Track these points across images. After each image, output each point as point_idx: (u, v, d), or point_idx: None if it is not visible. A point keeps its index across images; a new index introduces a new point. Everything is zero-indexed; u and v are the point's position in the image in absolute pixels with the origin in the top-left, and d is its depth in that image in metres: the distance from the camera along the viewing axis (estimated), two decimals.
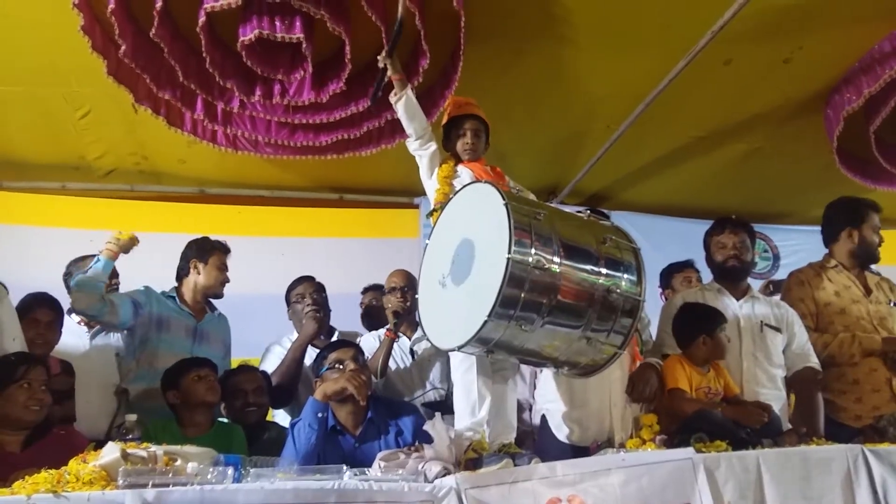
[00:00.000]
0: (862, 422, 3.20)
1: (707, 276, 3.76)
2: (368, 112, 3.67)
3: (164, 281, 3.53)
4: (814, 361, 3.34)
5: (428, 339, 2.44)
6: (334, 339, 3.61)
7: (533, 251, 2.15)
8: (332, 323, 3.72)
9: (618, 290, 2.29)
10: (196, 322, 3.39)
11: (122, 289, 3.60)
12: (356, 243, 4.89)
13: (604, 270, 2.29)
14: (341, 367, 2.79)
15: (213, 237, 3.60)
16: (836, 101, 4.03)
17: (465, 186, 2.61)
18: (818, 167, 4.60)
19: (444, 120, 3.05)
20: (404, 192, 4.99)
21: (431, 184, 2.92)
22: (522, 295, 2.12)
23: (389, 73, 2.96)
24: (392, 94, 2.98)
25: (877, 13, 3.53)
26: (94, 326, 3.46)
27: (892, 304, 3.52)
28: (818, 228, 3.94)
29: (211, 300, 3.54)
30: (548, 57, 3.65)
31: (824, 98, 4.11)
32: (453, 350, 2.25)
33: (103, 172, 4.45)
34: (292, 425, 2.65)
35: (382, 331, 3.52)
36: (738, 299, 3.39)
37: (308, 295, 3.62)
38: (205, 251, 3.46)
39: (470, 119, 2.97)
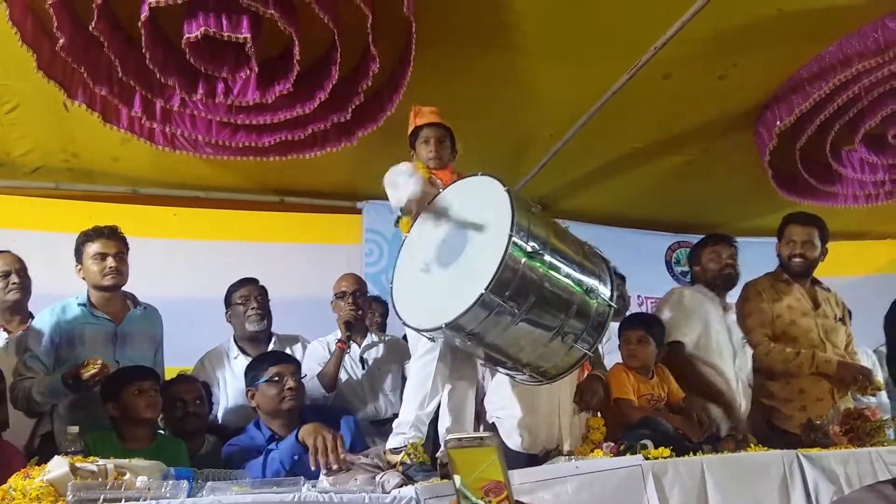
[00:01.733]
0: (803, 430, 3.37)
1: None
2: (314, 114, 3.62)
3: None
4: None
5: (406, 325, 2.41)
6: (272, 345, 3.57)
7: (529, 241, 2.18)
8: (271, 329, 3.66)
9: (594, 298, 2.34)
10: (115, 325, 3.17)
11: (47, 293, 3.47)
12: (297, 248, 4.83)
13: (584, 277, 2.34)
14: (282, 381, 2.78)
15: (144, 239, 3.45)
16: (767, 117, 4.23)
17: (457, 181, 2.63)
18: (749, 181, 4.82)
19: (410, 130, 3.04)
20: (347, 197, 4.96)
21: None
22: (514, 280, 2.13)
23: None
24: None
25: (806, 36, 3.72)
26: (11, 332, 3.30)
27: (836, 320, 3.73)
28: (748, 240, 4.13)
29: (133, 295, 3.34)
30: (496, 64, 3.69)
31: (757, 114, 4.31)
32: (437, 329, 2.23)
33: (29, 170, 4.25)
34: (267, 451, 2.59)
35: (330, 338, 3.50)
36: (724, 310, 3.64)
37: (253, 298, 3.56)
38: (78, 250, 3.19)
39: (433, 127, 2.97)
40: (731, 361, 3.50)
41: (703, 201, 5.39)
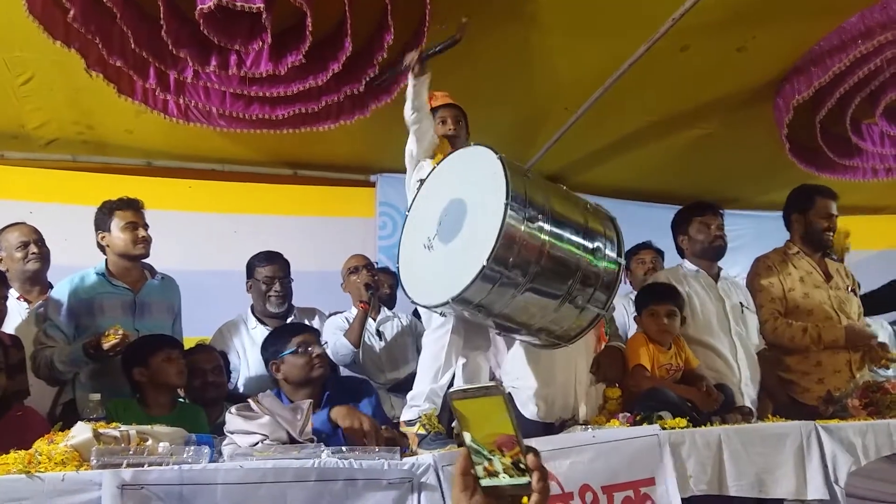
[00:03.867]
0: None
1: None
2: (327, 86, 3.62)
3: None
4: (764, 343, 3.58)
5: (415, 303, 2.44)
6: (291, 318, 3.61)
7: (527, 208, 2.18)
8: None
9: (601, 258, 2.35)
10: (133, 294, 3.22)
11: (63, 264, 3.51)
12: (311, 221, 4.84)
13: (588, 239, 2.34)
14: (308, 350, 2.81)
15: (159, 211, 3.47)
16: (786, 90, 4.19)
17: (448, 154, 2.64)
18: (767, 154, 4.78)
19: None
20: (361, 170, 4.97)
21: (425, 166, 2.88)
22: (514, 248, 2.14)
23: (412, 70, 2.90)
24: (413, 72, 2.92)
25: (826, 8, 3.68)
26: (32, 302, 3.36)
27: (849, 291, 3.72)
28: (764, 214, 4.13)
29: (150, 265, 3.38)
30: (512, 38, 3.67)
31: (775, 88, 4.27)
32: (444, 304, 2.24)
33: (44, 142, 4.27)
34: None
35: (347, 313, 3.58)
36: (714, 278, 3.60)
37: (278, 280, 3.59)
38: (103, 218, 3.23)
39: (449, 108, 3.02)
40: (726, 334, 3.46)
41: (721, 175, 5.35)
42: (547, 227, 2.22)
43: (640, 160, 5.07)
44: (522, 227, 2.15)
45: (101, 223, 3.25)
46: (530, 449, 0.99)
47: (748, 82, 4.27)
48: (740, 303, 3.56)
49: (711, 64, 4.04)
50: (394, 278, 4.06)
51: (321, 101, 3.71)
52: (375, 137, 4.27)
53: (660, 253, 4.47)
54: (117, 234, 3.21)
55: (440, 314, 2.47)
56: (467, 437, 1.00)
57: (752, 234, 5.26)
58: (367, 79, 3.55)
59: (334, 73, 3.47)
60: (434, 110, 3.01)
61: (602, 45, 3.74)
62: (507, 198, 2.13)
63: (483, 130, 3.19)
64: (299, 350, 2.79)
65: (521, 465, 0.98)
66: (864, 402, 2.94)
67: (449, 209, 2.39)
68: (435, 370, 2.55)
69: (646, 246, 4.52)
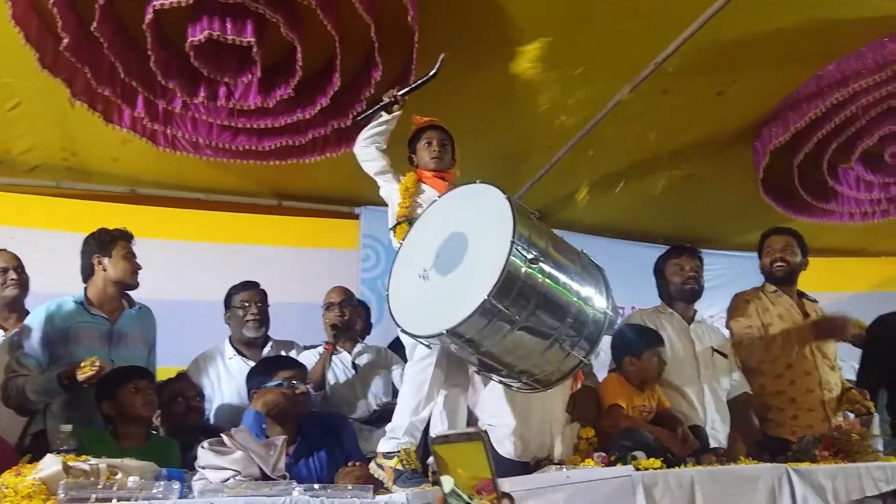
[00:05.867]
0: (796, 437, 3.38)
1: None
2: (314, 120, 3.65)
3: None
4: (748, 387, 3.59)
5: (404, 331, 2.41)
6: (268, 349, 3.59)
7: (530, 249, 2.19)
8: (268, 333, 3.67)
9: (590, 307, 2.35)
10: (110, 324, 3.20)
11: (44, 291, 3.47)
12: (294, 252, 4.83)
13: (581, 286, 2.35)
14: (292, 385, 2.79)
15: (142, 239, 3.43)
16: (764, 134, 4.27)
17: (455, 187, 2.64)
18: (745, 196, 4.85)
19: (410, 134, 3.06)
20: (345, 201, 4.98)
21: (393, 198, 2.89)
22: (515, 286, 2.14)
23: (392, 109, 2.91)
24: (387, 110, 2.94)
25: (804, 56, 3.79)
26: (9, 329, 3.31)
27: None
28: (743, 254, 4.17)
29: (129, 294, 3.36)
30: (497, 76, 3.72)
31: (754, 131, 4.35)
32: (437, 336, 2.23)
33: (29, 167, 4.24)
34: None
35: (321, 347, 3.57)
36: (688, 322, 3.63)
37: (253, 304, 3.58)
38: (105, 243, 3.24)
39: (435, 129, 2.99)
40: (695, 377, 3.48)
41: (700, 215, 5.43)
42: (546, 269, 2.24)
43: (622, 199, 5.12)
44: (524, 268, 2.16)
45: (103, 247, 3.24)
46: (505, 495, 1.01)
47: (727, 126, 4.36)
48: (712, 347, 3.59)
49: (692, 107, 4.13)
50: (368, 311, 4.10)
51: (308, 133, 3.74)
52: (361, 170, 4.24)
53: None
54: (118, 261, 3.22)
55: (427, 346, 2.45)
56: (448, 481, 1.02)
57: (730, 274, 5.30)
58: (354, 113, 3.58)
59: (322, 107, 3.51)
60: (419, 131, 3.00)
61: (586, 87, 3.80)
62: (513, 236, 2.14)
63: (467, 165, 3.22)
64: (282, 384, 2.77)
65: None
66: (832, 450, 2.95)
67: (449, 242, 2.39)
68: (416, 402, 2.52)
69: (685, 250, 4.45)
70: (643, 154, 4.64)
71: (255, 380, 2.90)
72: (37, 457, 1.91)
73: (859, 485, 2.73)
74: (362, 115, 2.82)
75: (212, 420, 3.39)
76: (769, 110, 4.18)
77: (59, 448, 2.07)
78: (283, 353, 3.48)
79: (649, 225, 5.53)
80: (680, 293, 3.68)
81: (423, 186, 2.89)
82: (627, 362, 3.22)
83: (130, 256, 3.26)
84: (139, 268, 3.29)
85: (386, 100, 2.83)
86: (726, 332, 3.80)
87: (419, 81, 2.79)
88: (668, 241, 4.99)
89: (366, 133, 2.93)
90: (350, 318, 3.64)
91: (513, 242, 2.13)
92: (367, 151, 2.94)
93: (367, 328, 4.04)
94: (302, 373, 2.96)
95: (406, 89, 2.83)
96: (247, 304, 3.57)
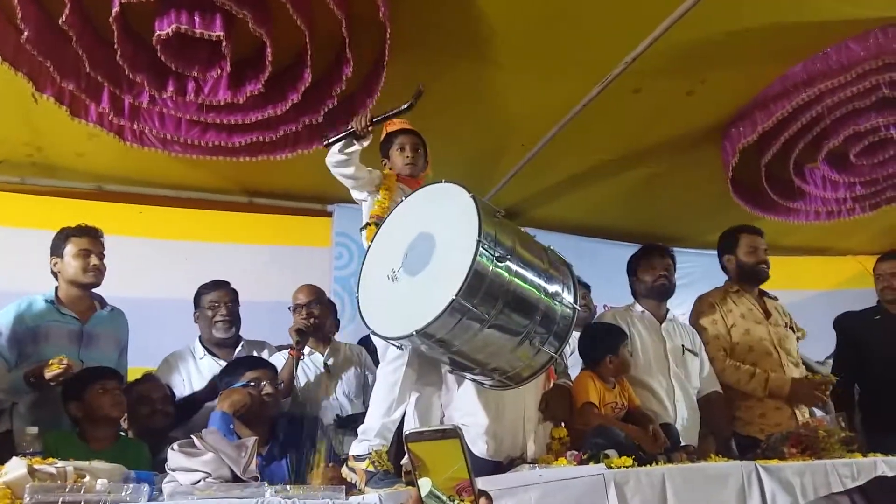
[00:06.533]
0: (765, 434, 3.43)
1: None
2: (285, 116, 3.61)
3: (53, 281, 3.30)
4: (718, 385, 3.65)
5: (375, 333, 2.40)
6: (239, 349, 3.56)
7: (496, 247, 2.19)
8: (239, 333, 3.65)
9: (559, 303, 2.36)
10: (81, 324, 3.17)
11: (8, 289, 3.40)
12: (266, 250, 4.79)
13: (548, 282, 2.36)
14: (258, 386, 2.78)
15: (110, 236, 3.39)
16: (732, 134, 4.31)
17: (421, 187, 2.63)
18: (713, 195, 4.90)
19: (382, 137, 3.04)
20: (317, 199, 4.94)
21: (372, 197, 2.85)
22: (483, 285, 2.15)
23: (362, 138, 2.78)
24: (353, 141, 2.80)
25: (771, 56, 3.82)
26: None
27: (787, 327, 3.82)
28: (711, 253, 4.22)
29: (100, 296, 3.33)
30: (470, 74, 3.73)
31: (723, 130, 4.39)
32: (407, 337, 2.22)
33: None
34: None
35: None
36: (660, 321, 3.68)
37: (223, 304, 3.54)
38: (58, 243, 3.21)
39: (408, 134, 2.97)
40: (664, 375, 3.53)
41: (670, 213, 5.50)
42: (514, 267, 2.25)
43: (593, 197, 5.17)
44: (491, 266, 2.17)
45: (56, 248, 3.22)
46: (483, 493, 1.01)
47: (697, 125, 4.40)
48: (682, 345, 3.64)
49: (662, 106, 4.16)
50: (336, 310, 4.06)
51: (279, 130, 3.70)
52: None
53: (587, 287, 4.52)
54: (69, 260, 3.18)
55: (398, 347, 2.44)
56: (426, 482, 1.00)
57: (699, 272, 5.37)
58: (326, 109, 3.55)
59: (293, 103, 3.47)
60: (391, 136, 2.99)
61: (557, 85, 3.82)
62: (479, 235, 2.15)
63: (439, 164, 3.21)
64: (250, 384, 2.75)
65: None
66: (799, 447, 3.00)
67: (416, 243, 2.39)
68: (388, 404, 2.51)
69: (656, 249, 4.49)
70: (614, 152, 4.68)
71: (222, 381, 2.89)
72: (2, 459, 1.88)
73: (826, 481, 2.77)
74: (331, 141, 2.76)
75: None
76: (737, 110, 4.23)
77: (24, 451, 2.03)
78: (255, 354, 3.47)
79: (621, 223, 5.59)
80: (651, 291, 3.74)
81: (401, 185, 2.89)
82: (608, 360, 3.26)
83: (84, 254, 3.18)
84: (96, 265, 3.20)
85: (353, 127, 2.75)
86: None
87: (392, 112, 2.75)
88: (640, 239, 5.05)
89: (333, 158, 2.81)
90: (320, 319, 3.58)
91: (479, 241, 2.14)
92: (338, 173, 2.84)
93: (336, 326, 4.00)
94: (270, 373, 2.94)
95: (378, 119, 2.78)
96: (216, 305, 3.53)
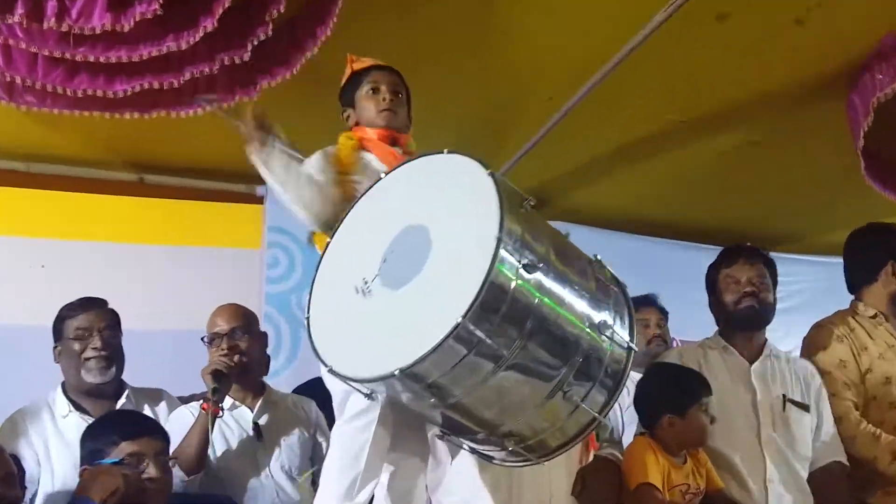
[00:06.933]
0: None
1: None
2: (194, 51, 3.59)
3: None
4: (843, 455, 3.61)
5: (334, 372, 2.33)
6: (122, 401, 3.55)
7: (524, 252, 2.14)
8: (123, 375, 3.63)
9: (608, 339, 2.33)
10: None
11: None
12: (164, 253, 4.79)
13: (596, 310, 2.33)
14: (137, 466, 2.78)
15: None
16: (864, 82, 4.29)
17: (407, 161, 2.61)
18: (836, 174, 4.95)
19: (346, 77, 3.05)
20: (242, 177, 4.89)
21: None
22: (502, 305, 2.10)
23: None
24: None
25: None
26: None
27: None
28: (833, 260, 4.19)
29: None
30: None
31: (850, 78, 4.37)
32: (385, 379, 2.17)
33: None
34: None
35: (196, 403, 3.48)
36: (751, 360, 3.65)
37: (96, 332, 3.51)
38: None
39: (383, 71, 2.98)
40: (752, 441, 3.51)
41: (768, 202, 5.52)
42: (546, 283, 2.20)
43: (654, 177, 5.20)
44: (514, 280, 2.11)
45: None
46: None
47: (810, 69, 4.37)
48: (783, 395, 3.58)
49: (760, 41, 4.14)
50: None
51: (184, 72, 3.68)
52: None
53: (664, 313, 4.54)
54: None
55: (367, 394, 2.38)
56: None
57: (814, 287, 5.39)
58: (256, 42, 3.53)
59: (206, 32, 3.45)
60: (359, 75, 3.01)
61: (605, 9, 3.80)
62: (500, 231, 2.09)
63: (426, 126, 3.19)
64: (125, 461, 2.75)
65: None
66: None
67: (401, 241, 2.37)
68: (350, 480, 2.50)
69: (647, 302, 4.58)
70: (685, 111, 4.67)
71: (87, 450, 2.86)
72: None
73: None
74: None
75: None
76: (871, 47, 4.21)
77: None
78: (144, 410, 3.47)
79: (692, 216, 5.62)
80: (735, 317, 3.72)
81: (367, 156, 2.89)
82: (666, 422, 3.25)
83: None
84: None
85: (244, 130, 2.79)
86: (810, 367, 3.79)
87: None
88: (721, 239, 5.04)
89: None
90: (248, 355, 3.57)
91: (499, 240, 2.08)
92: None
93: (266, 366, 3.95)
94: (158, 444, 2.92)
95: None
96: (86, 334, 3.50)
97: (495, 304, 2.09)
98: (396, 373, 2.11)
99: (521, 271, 2.13)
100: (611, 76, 4.11)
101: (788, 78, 4.42)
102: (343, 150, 2.86)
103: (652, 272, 5.03)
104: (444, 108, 3.99)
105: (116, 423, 3.03)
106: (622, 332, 2.39)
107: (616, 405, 3.80)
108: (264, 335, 3.95)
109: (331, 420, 2.74)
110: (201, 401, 3.39)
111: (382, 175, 2.64)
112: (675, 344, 4.48)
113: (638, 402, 3.41)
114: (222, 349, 3.49)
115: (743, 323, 3.72)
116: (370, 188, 2.65)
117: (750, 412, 3.55)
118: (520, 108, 4.52)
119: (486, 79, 4.21)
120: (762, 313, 3.73)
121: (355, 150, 2.87)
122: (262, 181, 4.72)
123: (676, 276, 4.51)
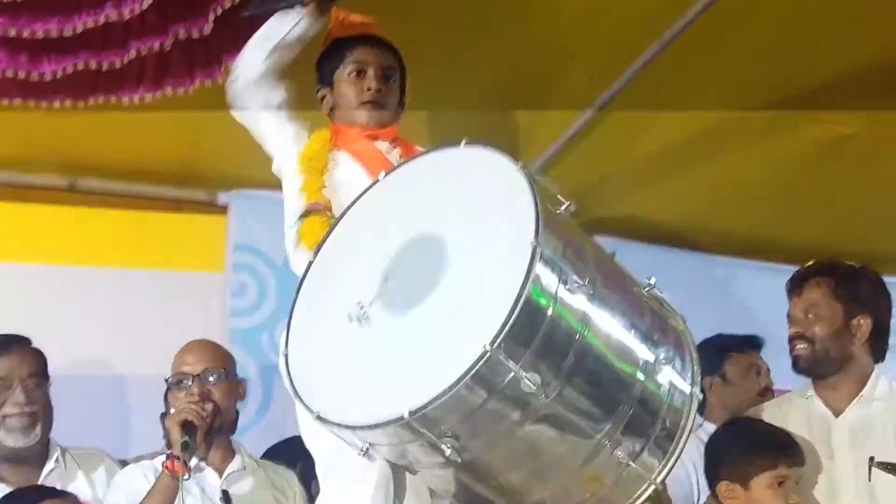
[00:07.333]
0: None
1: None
2: (142, 22, 3.61)
3: None
4: None
5: (322, 420, 2.33)
6: (50, 466, 3.58)
7: (565, 268, 2.15)
8: (53, 433, 3.64)
9: (663, 385, 2.35)
10: None
11: None
12: (104, 278, 4.77)
13: (652, 348, 2.34)
14: None
15: None
16: None
17: (421, 154, 2.66)
18: None
19: (324, 47, 3.09)
20: (199, 181, 4.98)
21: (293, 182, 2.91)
22: (536, 339, 2.08)
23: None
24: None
25: None
26: None
27: None
28: None
29: None
30: None
31: None
32: (389, 424, 2.14)
33: None
34: None
35: (158, 460, 3.45)
36: (837, 410, 3.60)
37: (18, 382, 3.51)
38: None
39: (370, 47, 3.00)
40: None
41: (866, 211, 5.52)
42: (591, 310, 2.20)
43: (721, 180, 5.19)
44: (552, 305, 2.11)
45: None
46: None
47: None
48: (871, 457, 3.50)
49: (855, 6, 4.14)
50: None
51: (129, 48, 3.71)
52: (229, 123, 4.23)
53: (755, 345, 4.59)
54: None
55: (361, 452, 2.34)
56: None
57: None
58: (219, 12, 3.54)
59: None
60: (341, 45, 3.04)
61: None
62: (536, 239, 2.07)
63: (435, 107, 3.18)
64: None
65: None
66: None
67: (407, 254, 2.39)
68: None
69: (754, 345, 4.59)
70: (761, 95, 4.67)
71: None
72: None
73: None
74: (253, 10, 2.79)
75: None
76: None
77: None
78: (77, 476, 3.53)
79: (775, 230, 5.60)
80: (797, 361, 3.69)
81: (340, 155, 2.93)
82: (724, 490, 3.32)
83: None
84: None
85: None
86: None
87: None
88: (807, 257, 5.04)
89: (246, 71, 2.92)
90: (223, 405, 3.56)
91: (535, 249, 2.07)
92: (257, 99, 2.97)
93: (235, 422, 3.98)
94: None
95: None
96: (5, 385, 3.53)
97: (528, 331, 2.08)
98: (404, 418, 2.08)
99: (562, 293, 2.12)
100: (666, 51, 4.15)
101: (892, 51, 4.41)
102: (314, 140, 2.93)
103: (716, 299, 4.98)
104: (463, 84, 4.01)
105: (29, 497, 3.10)
106: (683, 376, 2.40)
107: (691, 466, 3.84)
108: (240, 383, 3.95)
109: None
110: (163, 457, 3.38)
111: (382, 175, 2.66)
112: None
113: (712, 468, 3.44)
114: (192, 394, 3.49)
115: (803, 374, 3.70)
116: (366, 191, 2.68)
117: (825, 481, 3.55)
118: (555, 90, 4.54)
119: (510, 51, 4.22)
120: (816, 358, 3.63)
121: (326, 145, 2.93)
122: (225, 186, 4.86)
123: (749, 302, 4.44)
